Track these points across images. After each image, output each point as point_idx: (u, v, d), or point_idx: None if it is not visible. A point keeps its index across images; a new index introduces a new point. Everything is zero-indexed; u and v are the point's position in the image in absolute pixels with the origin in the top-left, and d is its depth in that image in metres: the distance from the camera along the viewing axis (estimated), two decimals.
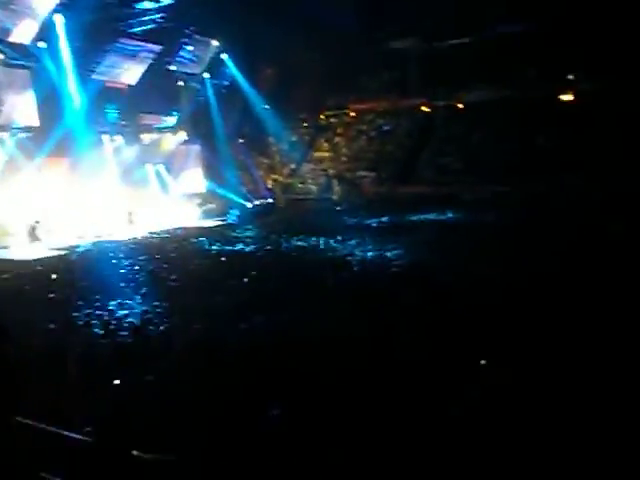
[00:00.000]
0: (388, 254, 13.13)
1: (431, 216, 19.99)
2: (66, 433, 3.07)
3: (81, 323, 8.42)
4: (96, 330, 7.94)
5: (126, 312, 9.09)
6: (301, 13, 24.81)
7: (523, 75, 25.24)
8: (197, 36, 26.98)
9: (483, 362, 5.47)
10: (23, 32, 21.11)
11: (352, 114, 31.24)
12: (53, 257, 16.03)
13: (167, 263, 13.64)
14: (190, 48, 27.46)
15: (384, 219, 20.04)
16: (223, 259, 14.13)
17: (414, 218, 19.92)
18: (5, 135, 21.32)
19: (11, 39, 20.89)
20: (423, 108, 29.22)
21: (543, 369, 5.10)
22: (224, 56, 28.76)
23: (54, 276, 12.58)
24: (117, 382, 5.25)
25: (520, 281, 8.68)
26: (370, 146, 29.83)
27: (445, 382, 5.00)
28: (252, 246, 16.29)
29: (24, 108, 22.02)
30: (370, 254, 13.38)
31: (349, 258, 13.04)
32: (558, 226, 14.28)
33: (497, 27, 25.80)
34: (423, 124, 29.08)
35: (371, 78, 30.72)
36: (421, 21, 26.46)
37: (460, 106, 28.17)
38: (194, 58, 28.13)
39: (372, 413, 4.42)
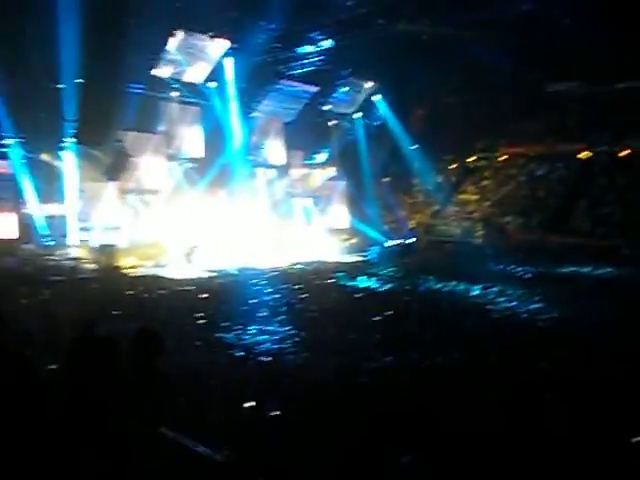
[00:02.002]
0: (534, 306, 12.31)
1: (585, 270, 18.48)
2: (203, 450, 3.20)
3: (224, 343, 8.86)
4: (237, 352, 8.31)
5: (265, 337, 9.41)
6: (456, 55, 24.73)
7: None
8: (352, 78, 27.95)
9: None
10: (197, 73, 23.37)
11: (502, 158, 30.23)
12: (204, 279, 17.16)
13: (306, 294, 13.97)
14: (344, 89, 28.50)
15: (531, 268, 18.90)
16: (360, 295, 14.17)
17: (565, 270, 18.56)
18: (174, 164, 23.58)
19: (185, 79, 23.21)
20: (582, 154, 27.49)
21: None
22: (376, 97, 29.44)
23: (203, 296, 13.47)
24: (250, 405, 5.40)
25: None
26: (520, 191, 28.54)
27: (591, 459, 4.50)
28: (389, 285, 16.18)
29: (192, 141, 24.26)
30: (514, 304, 12.64)
31: (490, 307, 12.43)
32: None
33: None
34: (580, 171, 27.31)
35: (525, 122, 29.63)
36: (582, 63, 25.10)
37: (624, 154, 26.12)
38: (347, 99, 29.14)
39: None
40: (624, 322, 9.95)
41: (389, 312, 11.32)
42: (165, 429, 3.31)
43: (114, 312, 10.96)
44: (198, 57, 23.05)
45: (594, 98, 26.56)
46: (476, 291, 14.49)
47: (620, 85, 25.91)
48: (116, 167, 20.30)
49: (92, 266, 18.54)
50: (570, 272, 18.22)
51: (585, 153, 27.36)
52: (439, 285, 15.54)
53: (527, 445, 4.60)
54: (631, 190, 24.41)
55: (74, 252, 19.36)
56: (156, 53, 21.66)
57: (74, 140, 19.69)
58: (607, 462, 4.40)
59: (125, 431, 2.51)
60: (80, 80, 18.86)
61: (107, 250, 19.03)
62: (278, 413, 5.21)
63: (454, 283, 15.46)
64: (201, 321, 10.54)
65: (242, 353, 8.14)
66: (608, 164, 26.46)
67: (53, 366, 5.20)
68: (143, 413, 3.00)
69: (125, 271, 18.34)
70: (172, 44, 21.80)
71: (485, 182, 30.30)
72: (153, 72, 21.93)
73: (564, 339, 8.82)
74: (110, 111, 19.58)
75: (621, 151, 26.22)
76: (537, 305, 12.38)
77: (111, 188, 21.30)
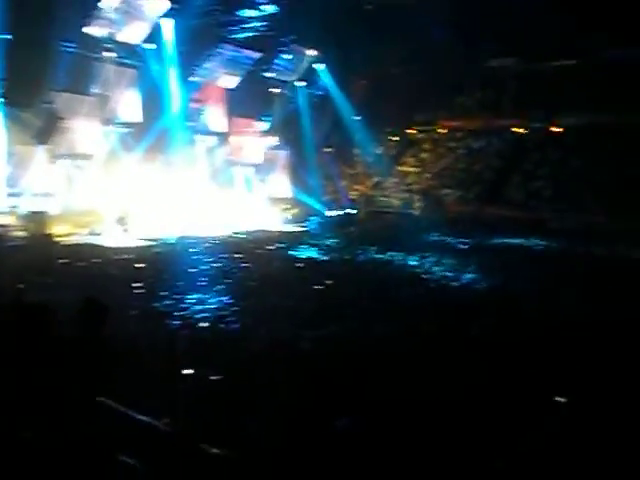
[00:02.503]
0: (467, 276, 12.78)
1: (516, 241, 19.30)
2: (143, 419, 3.19)
3: (160, 313, 8.75)
4: (174, 321, 8.23)
5: (203, 307, 9.35)
6: (399, 27, 24.80)
7: (627, 102, 23.85)
8: (295, 45, 27.57)
9: (560, 399, 5.16)
10: (134, 33, 22.41)
11: (441, 131, 30.85)
12: (140, 247, 16.80)
13: (246, 263, 13.94)
14: (287, 56, 28.11)
15: (466, 239, 19.55)
16: (299, 265, 14.27)
17: (498, 241, 19.30)
18: (109, 129, 22.69)
19: (121, 39, 22.21)
20: (516, 129, 28.39)
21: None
22: (319, 66, 29.21)
23: (140, 265, 13.20)
24: (188, 372, 5.39)
25: (615, 321, 8.05)
26: (457, 164, 29.28)
27: (515, 414, 4.78)
28: (330, 255, 16.36)
29: (128, 105, 23.36)
30: (448, 274, 13.07)
31: (426, 276, 12.81)
32: None
33: (603, 52, 24.70)
34: (515, 146, 28.24)
35: (464, 96, 30.27)
36: (522, 41, 25.72)
37: (556, 130, 27.16)
38: (290, 66, 28.78)
39: (439, 434, 4.30)
40: (550, 291, 10.52)
41: (329, 281, 11.48)
42: (104, 398, 3.27)
43: (46, 281, 10.59)
44: (135, 16, 22.07)
45: (529, 75, 27.36)
46: (413, 261, 14.88)
47: (554, 63, 26.77)
48: (47, 130, 19.34)
49: (21, 234, 17.74)
50: (503, 243, 18.98)
51: (519, 129, 28.27)
52: (378, 255, 15.85)
53: (459, 409, 4.82)
54: (562, 165, 25.46)
55: (2, 219, 18.45)
56: (90, 10, 20.58)
57: (1, 101, 18.58)
58: (533, 420, 4.68)
59: (63, 400, 2.46)
60: (7, 36, 17.74)
61: (37, 217, 18.22)
62: (218, 381, 5.23)
63: (392, 253, 15.80)
64: (138, 290, 10.35)
65: (180, 322, 8.07)
66: (541, 140, 27.46)
67: None
68: (83, 381, 2.95)
69: (57, 239, 17.67)
70: (107, 1, 20.76)
71: (424, 154, 30.87)
72: (86, 30, 20.85)
73: (494, 307, 9.22)
74: (40, 71, 18.53)
75: (553, 127, 27.24)
76: (470, 275, 12.86)
77: (41, 152, 20.30)
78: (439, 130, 30.94)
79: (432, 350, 6.62)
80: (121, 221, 20.11)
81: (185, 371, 5.37)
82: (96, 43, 21.45)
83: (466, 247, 18.27)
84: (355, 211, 28.04)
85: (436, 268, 13.83)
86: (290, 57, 28.23)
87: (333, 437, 3.74)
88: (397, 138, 32.15)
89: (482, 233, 20.35)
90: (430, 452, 3.86)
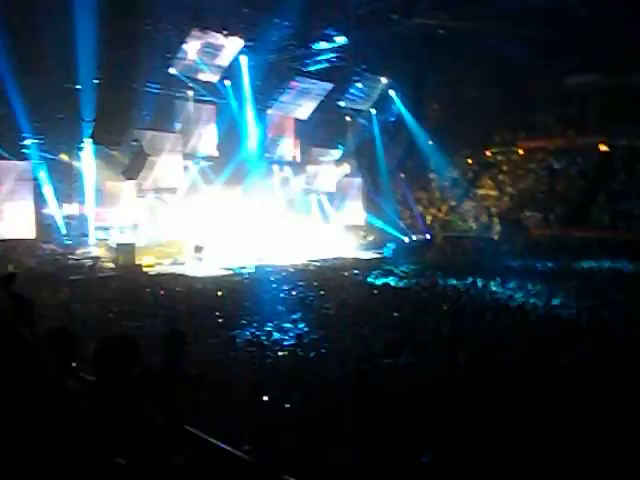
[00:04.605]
0: (554, 302, 12.19)
1: (606, 264, 18.26)
2: (225, 447, 3.22)
3: (240, 341, 8.90)
4: (253, 349, 8.33)
5: (282, 335, 9.43)
6: (473, 48, 24.51)
7: None
8: (367, 74, 27.82)
9: None
10: (212, 71, 23.42)
11: (520, 151, 29.93)
12: (221, 276, 17.25)
13: (323, 291, 13.98)
14: (359, 85, 28.39)
15: (550, 263, 18.73)
16: (377, 292, 14.14)
17: (585, 265, 18.35)
18: (190, 163, 23.71)
19: (201, 77, 23.29)
20: (601, 147, 27.11)
21: None
22: (392, 92, 29.30)
23: (220, 293, 13.54)
24: (267, 400, 5.41)
25: None
26: (538, 186, 28.24)
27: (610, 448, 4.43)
28: (407, 281, 16.13)
29: (207, 139, 24.37)
30: (533, 300, 12.52)
31: (508, 302, 12.33)
32: None
33: None
34: (600, 164, 26.95)
35: (543, 114, 29.36)
36: (603, 54, 24.70)
37: None
38: (362, 95, 29.01)
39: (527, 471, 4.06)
40: None
41: (407, 309, 11.27)
42: (188, 426, 3.33)
43: (134, 310, 11.06)
44: (213, 55, 23.10)
45: (614, 90, 26.18)
46: (495, 287, 14.39)
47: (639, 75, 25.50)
48: (134, 166, 20.41)
49: (111, 265, 18.72)
50: (590, 267, 18.03)
51: (604, 146, 27.00)
52: (457, 281, 15.45)
53: (550, 444, 4.55)
54: None
55: (93, 251, 19.56)
56: (171, 52, 21.75)
57: (92, 140, 19.83)
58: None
59: (150, 428, 2.53)
60: (97, 80, 19.01)
61: (125, 249, 19.18)
62: (298, 410, 5.22)
63: (472, 279, 15.35)
64: (219, 319, 10.58)
65: (260, 350, 8.16)
66: (628, 157, 26.07)
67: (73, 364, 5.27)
68: (169, 410, 3.02)
69: (143, 269, 18.49)
70: (187, 42, 21.86)
71: (503, 176, 30.03)
72: (169, 71, 22.00)
73: (584, 334, 8.71)
74: (127, 111, 19.71)
75: None
76: (557, 300, 12.26)
77: (129, 187, 21.46)
78: (518, 151, 30.05)
79: (519, 381, 6.31)
80: (198, 250, 20.77)
81: (264, 398, 5.39)
82: (177, 82, 22.60)
83: (550, 271, 17.50)
84: (431, 236, 27.63)
85: (519, 294, 13.31)
86: (362, 85, 28.49)
87: (420, 471, 3.61)
88: (474, 160, 31.50)
89: (566, 256, 19.44)
90: None
